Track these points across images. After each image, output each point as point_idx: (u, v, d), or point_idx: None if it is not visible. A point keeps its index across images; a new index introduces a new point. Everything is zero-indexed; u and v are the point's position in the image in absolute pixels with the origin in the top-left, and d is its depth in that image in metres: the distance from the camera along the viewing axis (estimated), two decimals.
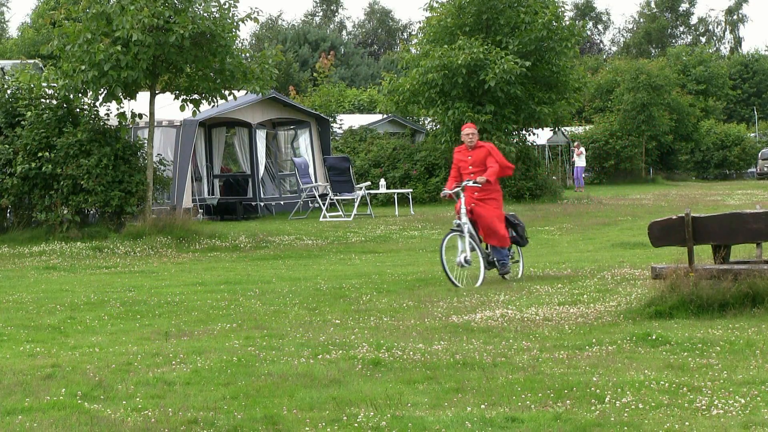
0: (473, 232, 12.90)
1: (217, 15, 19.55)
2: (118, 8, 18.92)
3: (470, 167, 13.09)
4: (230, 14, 19.77)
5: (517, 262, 13.47)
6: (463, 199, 12.93)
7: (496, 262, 13.04)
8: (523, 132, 34.34)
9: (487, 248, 13.11)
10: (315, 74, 45.77)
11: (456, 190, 13.07)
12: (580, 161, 43.51)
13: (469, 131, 13.22)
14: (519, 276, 13.30)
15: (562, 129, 45.95)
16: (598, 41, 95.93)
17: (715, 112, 61.67)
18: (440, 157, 33.39)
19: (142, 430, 6.27)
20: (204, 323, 10.38)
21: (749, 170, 56.86)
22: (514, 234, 13.30)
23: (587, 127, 51.99)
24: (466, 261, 12.70)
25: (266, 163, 29.05)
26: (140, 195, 20.22)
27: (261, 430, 6.25)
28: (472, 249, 12.84)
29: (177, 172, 24.07)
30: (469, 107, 31.76)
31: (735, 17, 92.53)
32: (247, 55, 21.02)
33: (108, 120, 20.73)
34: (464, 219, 12.82)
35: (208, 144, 28.45)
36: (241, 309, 11.35)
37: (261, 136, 28.53)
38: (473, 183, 12.94)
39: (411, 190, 30.49)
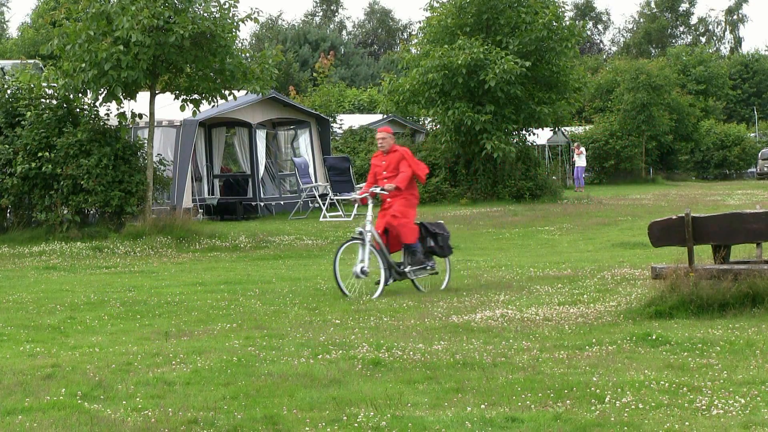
0: (380, 242, 12.32)
1: (217, 15, 19.55)
2: (118, 8, 18.92)
3: (384, 172, 12.61)
4: (230, 14, 19.77)
5: (436, 273, 12.80)
6: (371, 207, 12.43)
7: (408, 255, 12.44)
8: (523, 132, 34.33)
9: (400, 261, 12.56)
10: (315, 74, 45.77)
11: (365, 195, 12.55)
12: (580, 161, 43.52)
13: (380, 135, 12.75)
14: (443, 287, 12.62)
15: (562, 129, 45.95)
16: (598, 41, 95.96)
17: (715, 112, 61.68)
18: (440, 157, 33.40)
19: (142, 430, 6.27)
20: (204, 323, 10.39)
21: (749, 170, 56.86)
22: (433, 243, 12.66)
23: (587, 127, 51.99)
24: (362, 271, 12.05)
25: (266, 163, 29.05)
26: (140, 195, 20.22)
27: (261, 430, 6.25)
28: (381, 263, 12.21)
29: (177, 172, 24.07)
30: (469, 107, 31.77)
31: (735, 17, 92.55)
32: (247, 55, 21.01)
33: (108, 120, 20.73)
34: (368, 227, 12.20)
35: (208, 144, 28.45)
36: (241, 309, 11.35)
37: (261, 136, 28.53)
38: (380, 190, 12.47)
39: None
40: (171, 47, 18.92)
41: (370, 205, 12.51)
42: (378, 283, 12.30)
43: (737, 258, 10.66)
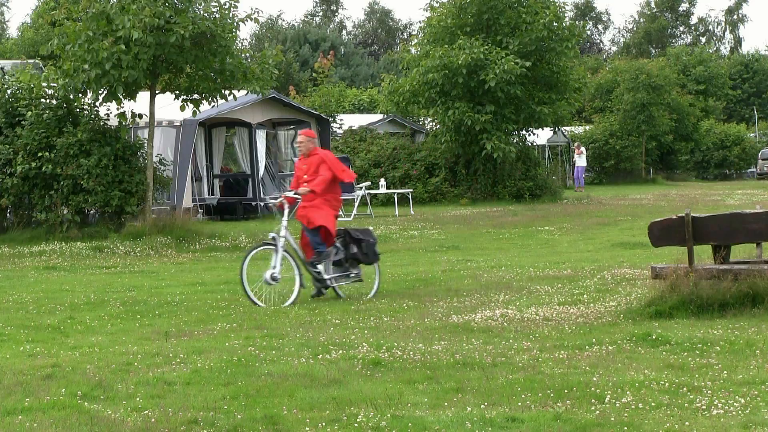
0: (296, 247, 11.99)
1: (217, 15, 19.55)
2: (118, 8, 18.92)
3: (305, 176, 12.19)
4: (230, 14, 19.78)
5: (361, 281, 12.32)
6: (286, 213, 12.00)
7: (315, 251, 11.95)
8: (523, 132, 34.36)
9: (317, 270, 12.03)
10: (315, 74, 45.74)
11: (280, 199, 12.19)
12: (580, 161, 43.52)
13: (299, 139, 12.41)
14: (371, 296, 12.08)
15: (562, 129, 45.96)
16: (598, 41, 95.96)
17: (715, 112, 61.65)
18: (440, 157, 33.42)
19: (142, 430, 6.27)
20: (204, 323, 10.39)
21: (749, 170, 56.85)
22: (356, 250, 12.15)
23: (587, 127, 51.98)
24: (273, 278, 11.63)
25: (266, 163, 29.04)
26: (140, 195, 20.22)
27: (261, 430, 6.25)
28: (296, 268, 11.83)
29: (177, 172, 24.05)
30: (469, 107, 31.78)
31: (735, 17, 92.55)
32: (247, 55, 21.00)
33: (108, 120, 20.73)
34: (283, 232, 11.80)
35: (208, 144, 28.44)
36: (241, 309, 11.36)
37: (261, 136, 28.52)
38: (294, 194, 12.09)
39: (411, 190, 30.49)
40: (171, 47, 18.92)
41: (286, 211, 12.10)
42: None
43: (737, 258, 10.66)
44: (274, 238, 11.83)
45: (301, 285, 11.84)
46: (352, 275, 12.26)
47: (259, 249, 12.02)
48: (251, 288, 11.59)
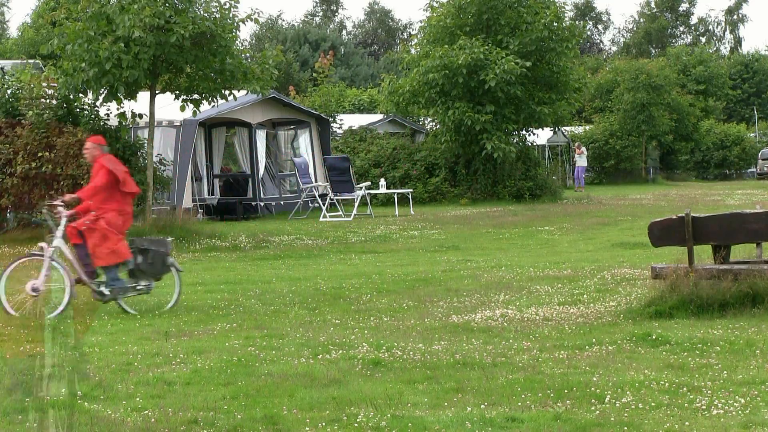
0: (70, 257, 11.34)
1: (217, 15, 19.55)
2: (117, 8, 18.91)
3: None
4: (230, 14, 19.77)
5: (146, 293, 11.64)
6: (63, 223, 11.31)
7: (106, 283, 11.34)
8: (523, 132, 34.35)
9: (98, 277, 11.42)
10: (315, 74, 45.74)
11: (44, 210, 11.62)
12: (581, 161, 43.52)
13: (86, 146, 11.85)
14: (168, 308, 11.49)
15: (562, 129, 45.96)
16: (598, 41, 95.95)
17: (715, 112, 61.65)
18: (440, 157, 33.43)
19: (142, 430, 6.27)
20: (204, 323, 10.39)
21: (749, 170, 56.84)
22: (140, 260, 11.53)
23: (587, 127, 51.97)
24: (33, 289, 11.04)
25: (266, 163, 29.05)
26: (140, 195, 20.19)
27: (261, 430, 6.25)
28: (67, 279, 11.16)
29: (177, 172, 24.05)
30: (470, 107, 31.78)
31: (735, 17, 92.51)
32: (248, 55, 20.98)
33: (108, 120, 20.73)
34: (56, 242, 11.22)
35: (208, 144, 28.45)
36: (241, 309, 11.36)
37: (261, 136, 28.53)
38: (60, 201, 11.56)
39: (411, 190, 30.48)
40: (171, 47, 18.91)
41: (63, 221, 11.33)
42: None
43: (737, 258, 10.66)
44: (42, 248, 11.32)
45: (72, 295, 11.25)
46: (139, 287, 11.56)
47: (24, 259, 11.66)
48: (6, 297, 11.17)
